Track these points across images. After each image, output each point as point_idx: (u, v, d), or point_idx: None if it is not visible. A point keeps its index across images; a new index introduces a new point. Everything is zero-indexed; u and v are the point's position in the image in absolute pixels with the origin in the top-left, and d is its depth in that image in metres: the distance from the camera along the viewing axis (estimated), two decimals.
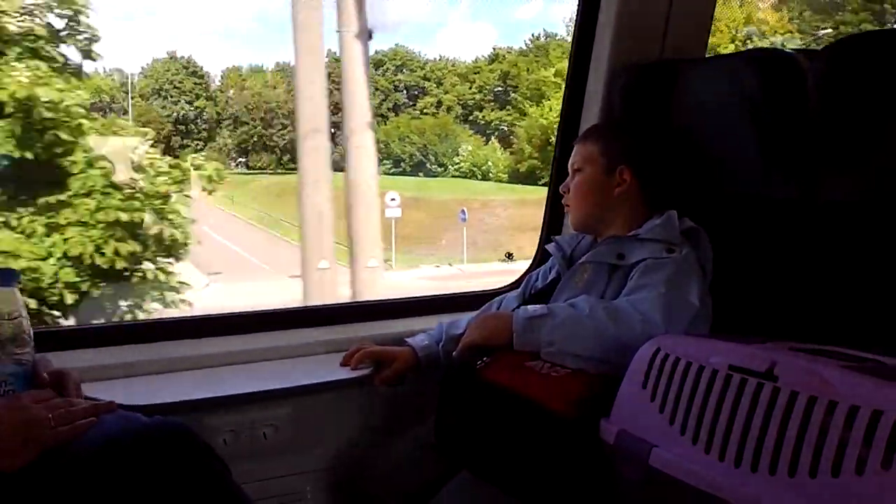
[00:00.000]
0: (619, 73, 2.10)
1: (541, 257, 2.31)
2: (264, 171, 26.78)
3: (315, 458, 1.86)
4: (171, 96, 26.54)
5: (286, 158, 25.59)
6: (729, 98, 1.78)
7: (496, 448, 1.52)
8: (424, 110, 29.09)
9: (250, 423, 1.76)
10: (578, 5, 2.19)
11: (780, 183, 1.69)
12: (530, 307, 1.61)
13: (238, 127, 26.82)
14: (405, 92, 29.81)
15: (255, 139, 26.83)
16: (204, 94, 27.03)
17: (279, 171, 26.01)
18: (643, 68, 2.07)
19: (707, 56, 2.20)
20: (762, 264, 1.68)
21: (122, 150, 7.99)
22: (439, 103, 28.92)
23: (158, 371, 1.82)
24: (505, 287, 2.27)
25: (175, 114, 26.12)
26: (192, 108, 26.54)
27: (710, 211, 1.75)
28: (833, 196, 1.58)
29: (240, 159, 27.57)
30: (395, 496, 1.84)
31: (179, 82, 26.70)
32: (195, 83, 26.98)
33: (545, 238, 2.33)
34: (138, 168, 7.90)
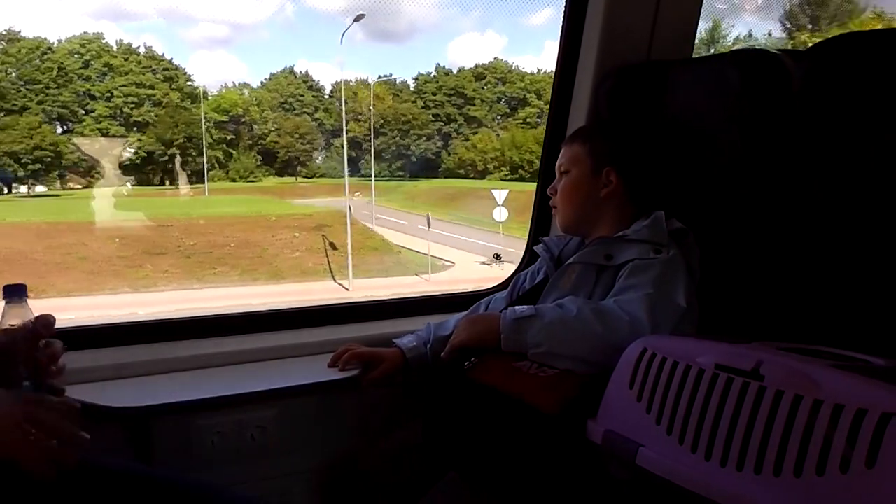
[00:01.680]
0: (606, 75, 2.11)
1: (528, 258, 2.32)
2: (402, 177, 27.30)
3: (303, 460, 1.86)
4: (294, 108, 26.95)
5: (418, 165, 26.43)
6: (715, 98, 1.79)
7: (484, 449, 1.52)
8: (527, 119, 29.59)
9: (238, 424, 1.75)
10: (565, 8, 2.20)
11: (766, 183, 1.70)
12: (518, 308, 1.61)
13: (377, 137, 27.45)
14: (507, 103, 30.52)
15: (393, 148, 27.26)
16: (321, 107, 28.16)
17: (420, 177, 26.54)
18: (630, 70, 2.08)
19: (694, 57, 2.20)
20: (748, 264, 1.69)
21: None
22: (541, 113, 29.49)
23: (146, 373, 1.82)
24: (493, 288, 2.28)
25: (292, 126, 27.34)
26: (313, 120, 27.76)
27: (696, 211, 1.75)
28: (819, 196, 1.58)
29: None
30: (383, 497, 1.84)
31: (301, 95, 27.01)
32: (313, 96, 27.49)
33: (532, 239, 2.34)
34: None
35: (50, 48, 23.90)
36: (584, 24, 2.15)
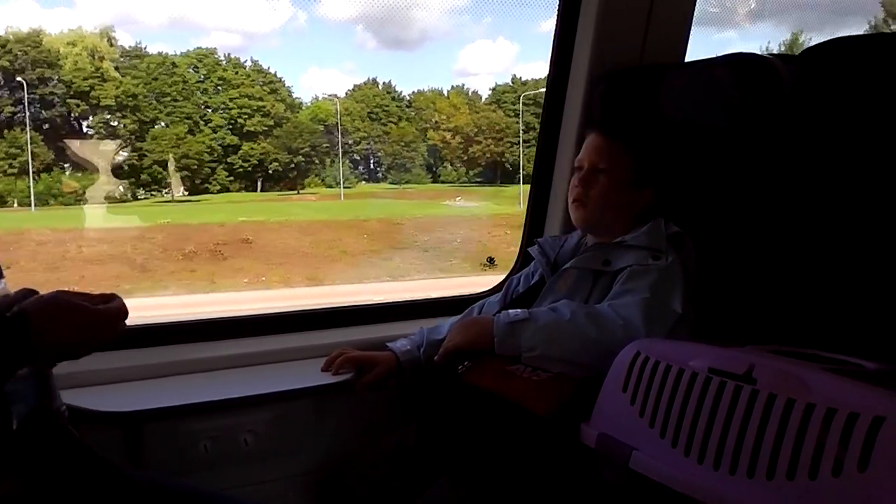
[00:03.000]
0: (599, 79, 2.11)
1: (522, 261, 2.32)
2: (493, 183, 28.10)
3: (296, 464, 1.85)
4: (380, 118, 28.27)
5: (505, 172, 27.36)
6: (707, 102, 1.80)
7: (477, 451, 1.52)
8: None
9: (231, 428, 1.75)
10: (558, 11, 2.20)
11: (758, 186, 1.70)
12: (511, 312, 1.61)
13: (471, 144, 28.16)
14: None
15: (487, 155, 27.97)
16: (404, 116, 28.81)
17: (506, 183, 27.12)
18: (623, 74, 2.08)
19: (686, 61, 2.21)
20: (741, 267, 1.70)
21: None
22: None
23: (139, 377, 1.81)
24: (486, 291, 2.28)
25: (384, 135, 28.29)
26: (397, 129, 28.30)
27: (689, 214, 1.76)
28: (810, 199, 1.59)
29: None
30: (377, 501, 1.84)
31: (386, 106, 28.17)
32: (396, 106, 28.62)
33: (526, 241, 2.34)
34: None
35: (174, 63, 25.44)
36: (576, 28, 2.16)
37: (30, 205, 22.09)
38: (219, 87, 26.29)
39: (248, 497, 1.75)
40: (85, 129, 24.75)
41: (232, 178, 26.10)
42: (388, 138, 28.45)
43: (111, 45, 24.68)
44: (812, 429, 0.99)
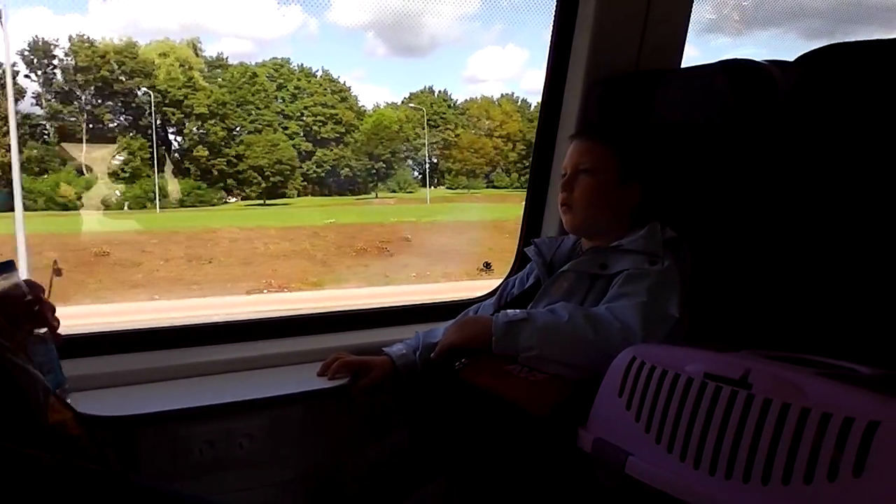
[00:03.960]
0: (595, 84, 2.12)
1: (518, 264, 2.33)
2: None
3: (292, 468, 1.85)
4: (438, 124, 28.69)
5: None
6: (703, 107, 1.80)
7: (473, 452, 1.52)
8: None
9: (227, 433, 1.74)
10: (555, 16, 2.21)
11: (753, 191, 1.71)
12: (510, 311, 1.61)
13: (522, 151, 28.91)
14: None
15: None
16: (460, 123, 29.06)
17: None
18: (620, 79, 2.09)
19: (682, 66, 2.22)
20: (736, 272, 1.70)
21: None
22: None
23: (134, 381, 1.81)
24: (481, 296, 2.28)
25: (443, 141, 28.68)
26: (454, 137, 28.60)
27: (684, 219, 1.76)
28: (805, 204, 1.59)
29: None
30: None
31: (443, 113, 28.69)
32: (454, 114, 28.97)
33: (523, 242, 2.34)
34: None
35: (254, 73, 26.43)
36: (573, 33, 2.17)
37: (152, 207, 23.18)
38: (294, 96, 27.27)
39: (243, 501, 1.75)
40: (179, 136, 25.98)
41: (305, 183, 27.12)
42: (452, 144, 29.03)
43: (197, 55, 25.67)
44: (807, 433, 0.99)
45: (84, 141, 23.63)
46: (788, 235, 1.62)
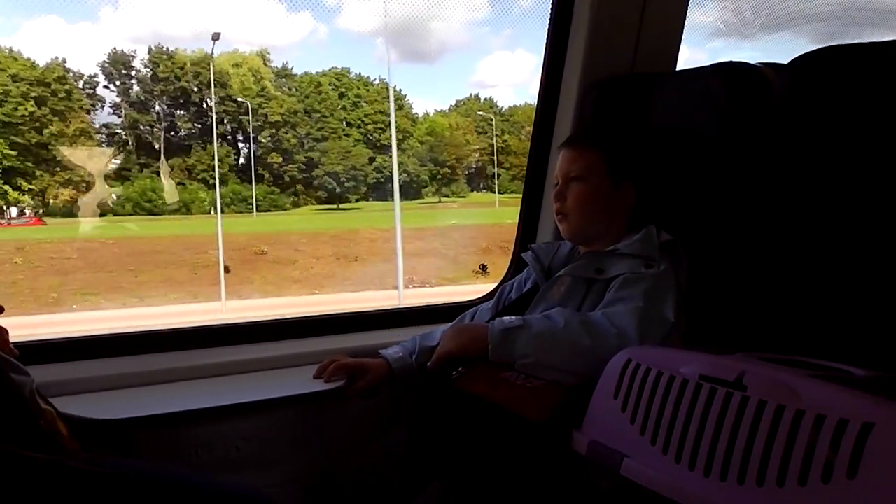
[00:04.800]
0: (591, 87, 2.12)
1: (515, 268, 2.33)
2: None
3: (288, 471, 1.85)
4: (486, 131, 30.02)
5: None
6: (698, 110, 1.80)
7: (469, 458, 1.52)
8: None
9: (223, 435, 1.75)
10: (550, 20, 2.22)
11: (748, 194, 1.71)
12: (506, 318, 1.61)
13: None
14: None
15: None
16: (508, 130, 30.33)
17: None
18: (615, 82, 2.10)
19: (677, 70, 2.22)
20: (731, 275, 1.70)
21: None
22: None
23: (131, 384, 1.81)
24: (478, 299, 2.28)
25: (492, 146, 29.92)
26: (501, 143, 29.88)
27: (680, 222, 1.76)
28: (800, 208, 1.60)
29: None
30: None
31: (491, 119, 29.95)
32: (500, 120, 30.34)
33: (519, 247, 2.35)
34: None
35: (319, 82, 28.00)
36: (568, 36, 2.17)
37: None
38: (355, 104, 28.61)
39: None
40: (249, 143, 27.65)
41: (366, 188, 28.41)
42: (504, 149, 29.88)
43: (265, 65, 27.25)
44: (802, 435, 0.99)
45: (162, 149, 25.05)
46: (784, 238, 1.63)
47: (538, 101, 2.30)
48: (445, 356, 1.66)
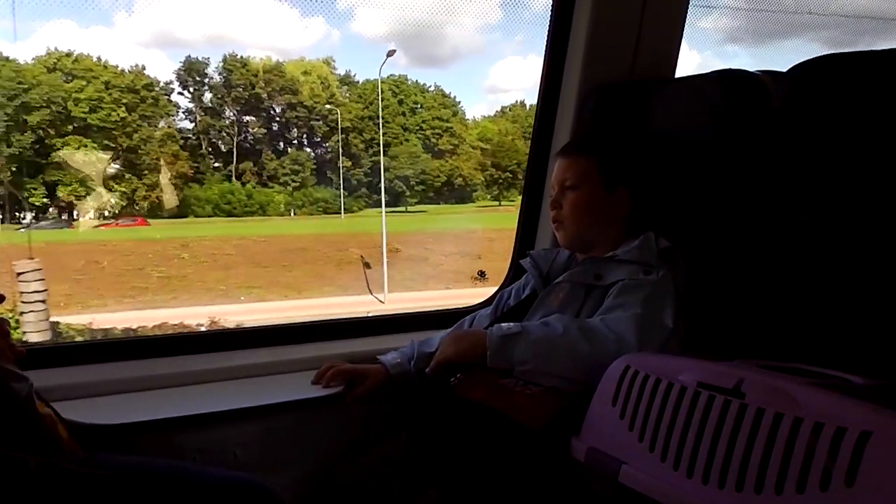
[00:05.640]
0: (589, 93, 2.13)
1: (513, 275, 2.33)
2: None
3: (286, 477, 1.84)
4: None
5: None
6: (697, 117, 1.81)
7: (468, 464, 1.52)
8: None
9: (221, 441, 1.74)
10: (550, 25, 2.22)
11: (746, 201, 1.71)
12: (504, 325, 1.61)
13: None
14: None
15: None
16: None
17: None
18: (614, 88, 2.10)
19: (676, 76, 2.23)
20: (730, 281, 1.70)
21: None
22: None
23: (128, 389, 1.81)
24: (477, 305, 2.28)
25: None
26: None
27: (678, 228, 1.77)
28: (799, 215, 1.60)
29: None
30: None
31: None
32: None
33: (518, 253, 2.35)
34: None
35: (381, 90, 28.50)
36: (568, 42, 2.18)
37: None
38: (413, 110, 29.63)
39: None
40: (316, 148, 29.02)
41: (432, 191, 29.37)
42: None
43: (331, 73, 28.65)
44: (800, 443, 0.99)
45: (235, 153, 26.33)
46: (782, 245, 1.63)
47: (537, 107, 2.31)
48: (444, 362, 1.66)
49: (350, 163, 27.44)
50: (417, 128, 28.79)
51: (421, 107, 29.03)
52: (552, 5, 2.20)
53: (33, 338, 9.30)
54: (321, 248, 19.96)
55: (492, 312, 1.97)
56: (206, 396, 1.81)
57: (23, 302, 9.73)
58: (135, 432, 1.65)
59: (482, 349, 1.58)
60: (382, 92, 27.86)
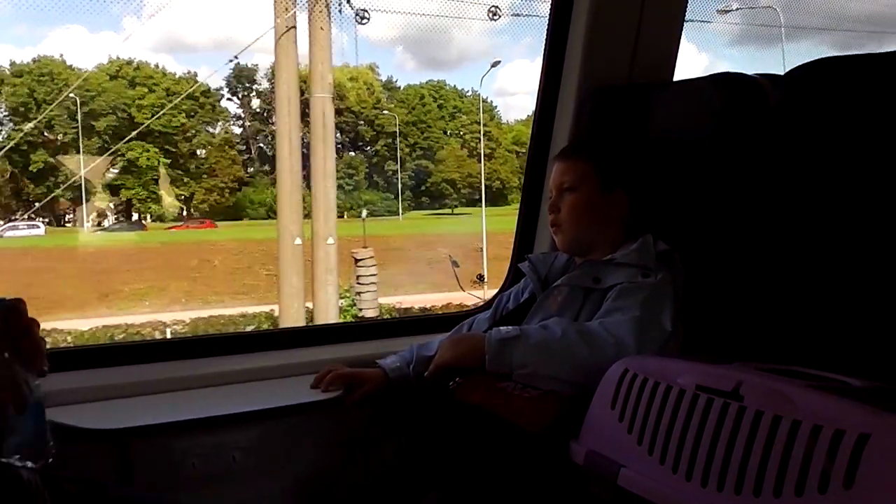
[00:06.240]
0: (588, 97, 2.13)
1: (512, 278, 2.33)
2: None
3: (285, 481, 1.84)
4: None
5: None
6: (695, 120, 1.81)
7: (467, 468, 1.52)
8: None
9: (220, 446, 1.74)
10: (548, 30, 2.22)
11: (745, 204, 1.71)
12: (503, 329, 1.61)
13: None
14: None
15: None
16: None
17: None
18: (612, 91, 2.10)
19: (675, 80, 2.23)
20: (729, 284, 1.70)
21: None
22: None
23: (127, 395, 1.80)
24: (475, 308, 2.28)
25: None
26: None
27: (677, 231, 1.77)
28: (796, 217, 1.60)
29: None
30: None
31: None
32: None
33: (517, 257, 2.35)
34: None
35: (422, 94, 29.51)
36: (566, 45, 2.18)
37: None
38: (453, 115, 30.24)
39: None
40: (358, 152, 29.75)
41: (477, 194, 29.70)
42: None
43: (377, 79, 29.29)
44: (798, 445, 0.99)
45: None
46: (781, 248, 1.63)
47: (535, 111, 2.31)
48: (442, 366, 1.66)
49: (397, 166, 27.94)
50: (457, 132, 28.96)
51: (460, 111, 29.27)
52: (550, 8, 2.20)
53: (368, 314, 11.75)
54: (413, 248, 20.82)
55: (491, 316, 1.97)
56: (205, 401, 1.81)
57: (359, 283, 12.25)
58: (132, 437, 1.65)
59: (481, 353, 1.58)
60: (423, 97, 28.82)
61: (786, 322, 1.58)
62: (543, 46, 2.25)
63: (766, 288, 1.64)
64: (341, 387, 1.85)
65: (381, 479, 1.84)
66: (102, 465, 1.63)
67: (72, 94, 21.07)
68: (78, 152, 21.45)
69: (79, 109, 21.66)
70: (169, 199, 23.82)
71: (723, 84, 1.75)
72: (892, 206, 1.45)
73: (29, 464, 1.14)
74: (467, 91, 30.12)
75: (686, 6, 2.20)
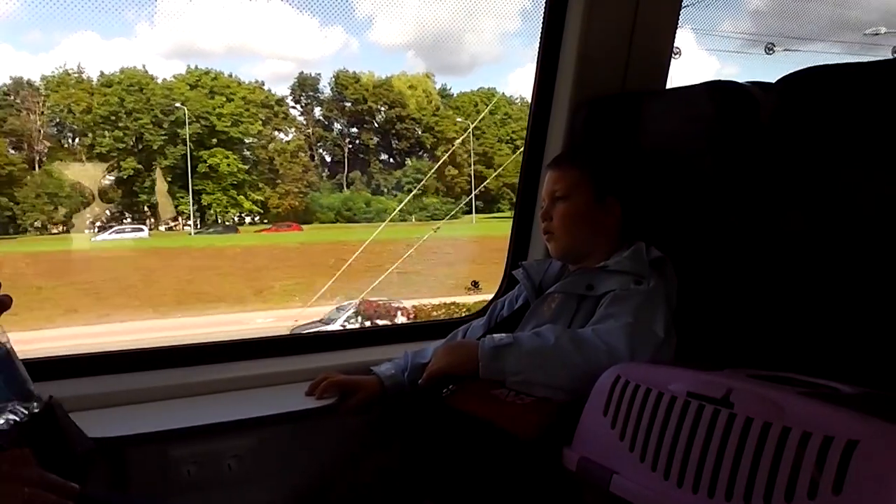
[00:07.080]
0: (581, 105, 2.14)
1: (506, 285, 2.33)
2: None
3: (280, 489, 1.84)
4: None
5: None
6: (688, 128, 1.82)
7: (461, 475, 1.52)
8: None
9: (215, 453, 1.74)
10: (541, 38, 2.23)
11: (737, 211, 1.72)
12: (496, 336, 1.62)
13: None
14: None
15: None
16: None
17: None
18: (605, 100, 2.11)
19: (667, 88, 2.24)
20: (720, 291, 1.71)
21: None
22: None
23: (122, 402, 1.80)
24: (470, 315, 2.28)
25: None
26: None
27: (669, 238, 1.77)
28: (787, 225, 1.61)
29: None
30: None
31: None
32: None
33: (510, 264, 2.35)
34: None
35: (476, 102, 29.64)
36: (559, 54, 2.19)
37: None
38: (503, 121, 29.98)
39: None
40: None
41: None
42: None
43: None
44: (788, 452, 1.00)
45: (346, 162, 27.74)
46: (772, 254, 1.64)
47: (529, 119, 2.32)
48: (437, 374, 1.67)
49: (456, 171, 28.25)
50: (508, 138, 29.75)
51: (510, 117, 29.92)
52: (543, 17, 2.21)
53: None
54: (486, 253, 20.43)
55: (485, 323, 1.98)
56: (201, 408, 1.81)
57: None
58: (127, 445, 1.65)
59: (474, 360, 1.58)
60: (477, 104, 29.15)
61: (777, 329, 1.58)
62: (537, 55, 2.26)
63: (757, 295, 1.64)
64: (336, 394, 1.85)
65: (376, 486, 1.84)
66: (98, 473, 1.62)
67: (160, 103, 21.99)
68: (165, 158, 22.13)
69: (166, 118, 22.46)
70: (247, 205, 24.47)
71: (715, 92, 1.76)
72: (884, 214, 1.46)
73: (22, 410, 1.15)
74: (516, 98, 30.62)
75: (679, 14, 2.21)
